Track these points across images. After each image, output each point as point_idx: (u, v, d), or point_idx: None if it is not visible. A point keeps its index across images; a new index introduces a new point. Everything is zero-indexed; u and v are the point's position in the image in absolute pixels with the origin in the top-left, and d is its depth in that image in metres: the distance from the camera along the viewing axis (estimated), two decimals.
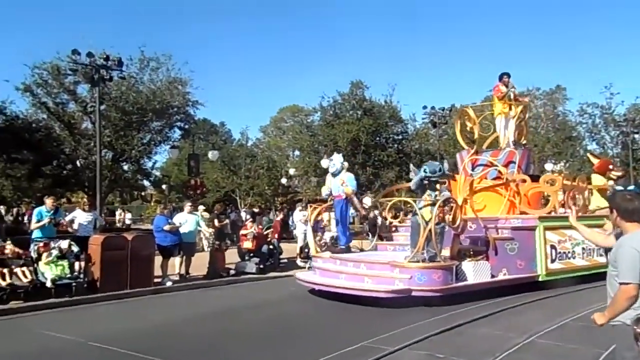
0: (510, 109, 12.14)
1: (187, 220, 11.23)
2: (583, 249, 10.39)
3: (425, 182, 8.46)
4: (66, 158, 26.91)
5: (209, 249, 13.22)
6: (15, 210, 24.56)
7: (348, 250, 10.37)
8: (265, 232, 13.07)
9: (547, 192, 11.32)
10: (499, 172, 11.18)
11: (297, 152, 43.96)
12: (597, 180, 12.57)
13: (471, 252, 8.95)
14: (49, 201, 9.72)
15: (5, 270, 9.55)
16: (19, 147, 23.45)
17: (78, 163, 28.23)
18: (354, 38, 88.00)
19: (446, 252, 8.67)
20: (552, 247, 9.94)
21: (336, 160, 10.47)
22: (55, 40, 67.94)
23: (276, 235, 13.93)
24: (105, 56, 19.78)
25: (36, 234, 9.33)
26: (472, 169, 11.91)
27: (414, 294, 8.16)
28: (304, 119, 45.25)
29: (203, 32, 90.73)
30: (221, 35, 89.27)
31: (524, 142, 12.78)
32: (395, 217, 10.61)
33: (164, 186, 41.25)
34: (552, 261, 9.88)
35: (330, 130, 32.12)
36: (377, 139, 29.04)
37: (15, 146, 23.19)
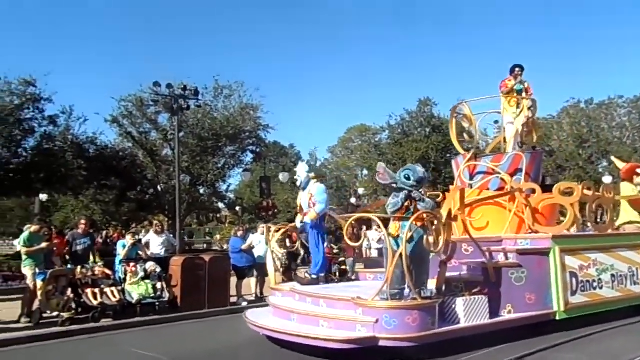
0: (517, 105, 9.44)
1: (261, 241, 10.87)
2: (613, 275, 7.62)
3: (414, 195, 5.99)
4: (149, 183, 25.96)
5: (282, 269, 13.82)
6: (104, 233, 26.35)
7: (317, 281, 7.64)
8: (335, 252, 12.01)
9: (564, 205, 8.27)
10: (503, 180, 8.48)
11: (365, 172, 43.54)
12: (627, 189, 9.60)
13: (462, 285, 6.43)
14: (128, 237, 10.60)
15: (97, 290, 10.31)
16: (108, 174, 23.34)
17: (159, 188, 29.09)
18: (421, 55, 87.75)
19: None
20: (573, 274, 7.12)
21: (300, 172, 8.01)
22: (139, 74, 73.14)
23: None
24: (183, 86, 19.08)
25: (120, 258, 10.00)
26: (471, 178, 9.14)
27: (381, 343, 5.54)
28: (372, 138, 44.41)
29: (271, 55, 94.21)
30: (289, 58, 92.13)
31: (534, 144, 9.98)
32: (356, 237, 8.37)
33: (237, 208, 39.91)
34: (573, 293, 7.08)
35: (399, 148, 30.99)
36: (448, 155, 27.34)
37: (105, 173, 23.13)
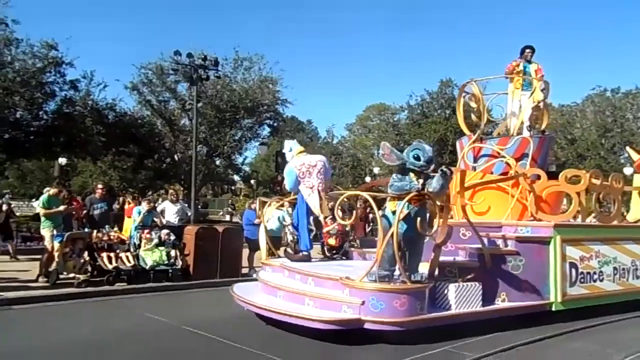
0: (522, 87, 8.92)
1: (274, 215, 10.62)
2: (615, 269, 7.31)
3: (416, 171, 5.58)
4: (166, 152, 26.13)
5: (292, 244, 13.93)
6: (121, 199, 26.81)
7: (308, 257, 7.38)
8: (346, 230, 11.95)
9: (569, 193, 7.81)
10: (507, 164, 8.08)
11: (382, 151, 43.90)
12: None
13: (456, 270, 6.16)
14: (144, 204, 10.75)
15: (112, 255, 10.55)
16: (126, 141, 23.38)
17: (176, 157, 29.35)
18: (444, 36, 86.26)
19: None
20: (573, 265, 6.83)
21: (286, 148, 7.83)
22: (160, 41, 73.25)
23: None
24: (203, 56, 19.37)
25: (136, 224, 10.15)
26: (475, 160, 8.70)
27: (366, 326, 5.32)
28: (391, 117, 44.33)
29: (293, 31, 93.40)
30: (310, 33, 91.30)
31: (543, 128, 9.37)
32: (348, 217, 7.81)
33: (252, 181, 38.75)
34: (572, 284, 6.79)
35: (417, 129, 30.38)
36: None
37: (123, 140, 23.17)
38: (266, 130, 29.38)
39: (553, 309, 6.67)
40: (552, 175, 7.82)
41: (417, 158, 5.63)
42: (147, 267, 9.34)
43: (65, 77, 21.46)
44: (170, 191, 13.86)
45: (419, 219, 5.52)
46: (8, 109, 19.80)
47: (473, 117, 9.45)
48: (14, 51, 20.10)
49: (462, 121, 9.43)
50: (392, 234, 5.37)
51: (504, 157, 8.18)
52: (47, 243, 9.52)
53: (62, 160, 24.75)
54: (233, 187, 47.05)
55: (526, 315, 6.39)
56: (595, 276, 7.15)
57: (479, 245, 6.42)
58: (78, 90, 21.86)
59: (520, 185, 7.56)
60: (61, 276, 9.14)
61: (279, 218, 11.26)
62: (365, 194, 5.83)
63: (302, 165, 7.23)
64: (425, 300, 5.65)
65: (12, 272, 10.08)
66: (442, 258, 6.18)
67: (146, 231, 9.90)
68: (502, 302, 6.39)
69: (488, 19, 76.94)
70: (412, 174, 5.63)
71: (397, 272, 5.61)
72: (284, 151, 7.91)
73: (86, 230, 10.03)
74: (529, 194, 7.45)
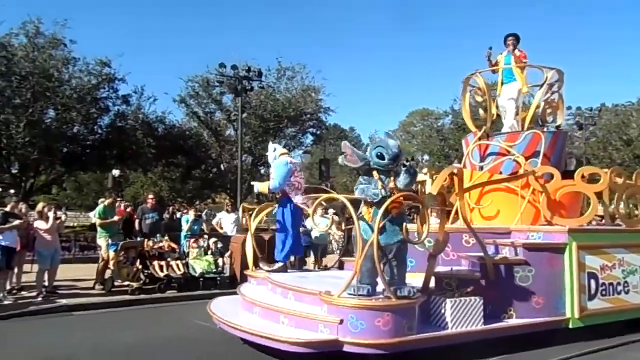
0: (502, 81, 7.88)
1: (320, 222, 10.29)
2: None
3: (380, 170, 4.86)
4: (212, 162, 25.95)
5: (338, 251, 12.44)
6: (170, 209, 27.64)
7: (285, 268, 6.65)
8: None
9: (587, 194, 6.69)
10: (517, 162, 7.13)
11: (426, 157, 43.22)
12: None
13: (454, 282, 5.32)
14: (191, 212, 11.56)
15: (163, 263, 10.89)
16: (175, 152, 23.64)
17: (222, 167, 30.22)
18: (488, 39, 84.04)
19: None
20: (592, 275, 5.79)
21: (270, 155, 7.02)
22: (206, 55, 75.46)
23: None
24: (247, 68, 19.41)
25: (186, 232, 10.90)
26: (481, 159, 7.75)
27: (345, 348, 4.54)
28: (434, 122, 43.98)
29: (334, 39, 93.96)
30: (351, 41, 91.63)
31: (559, 123, 8.31)
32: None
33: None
34: (591, 297, 5.77)
35: (462, 134, 30.81)
36: None
37: (172, 152, 23.44)
38: (309, 139, 29.28)
39: (570, 326, 5.68)
40: (570, 175, 6.84)
41: (381, 156, 4.85)
42: (197, 275, 9.57)
43: (118, 92, 22.14)
44: (226, 202, 14.18)
45: (403, 224, 4.74)
46: (66, 124, 20.75)
47: (481, 112, 8.46)
48: (71, 69, 21.06)
49: (468, 117, 8.52)
50: (370, 243, 4.55)
51: (512, 154, 7.23)
52: (102, 252, 9.91)
53: (116, 172, 25.67)
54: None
55: (538, 333, 5.49)
56: (620, 287, 6.08)
57: (481, 254, 5.47)
58: (130, 105, 22.47)
59: (531, 186, 6.58)
60: (116, 283, 9.49)
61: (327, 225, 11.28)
62: (342, 197, 5.01)
63: (290, 162, 6.58)
64: (415, 318, 4.74)
65: (71, 280, 10.57)
66: (443, 268, 5.42)
67: (193, 240, 10.20)
68: (508, 319, 5.45)
69: (531, 26, 74.67)
70: (375, 174, 4.87)
71: (380, 286, 4.78)
72: (267, 153, 7.19)
73: (138, 239, 10.41)
74: (540, 195, 6.47)
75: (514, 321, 5.46)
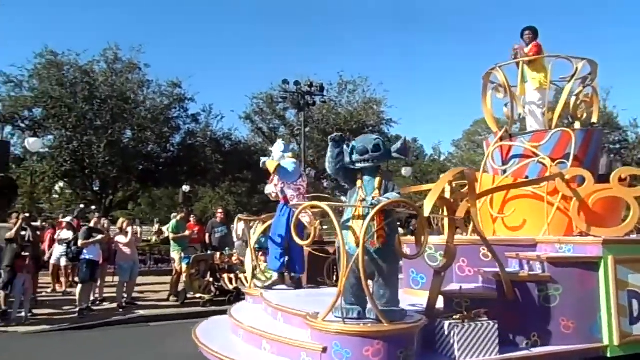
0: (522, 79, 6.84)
1: None
2: None
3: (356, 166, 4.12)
4: None
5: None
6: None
7: (282, 280, 6.23)
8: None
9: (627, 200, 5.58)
10: (545, 165, 6.16)
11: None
12: None
13: (466, 303, 4.39)
14: (259, 226, 12.57)
15: (232, 276, 11.20)
16: (241, 167, 23.94)
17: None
18: (555, 41, 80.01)
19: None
20: (634, 295, 4.82)
21: (275, 151, 6.47)
22: (270, 72, 77.81)
23: None
24: (309, 83, 19.77)
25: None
26: (503, 162, 6.84)
27: None
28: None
29: (395, 48, 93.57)
30: (412, 50, 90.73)
31: (593, 120, 7.24)
32: None
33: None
34: (634, 321, 4.79)
35: None
36: None
37: (239, 167, 23.83)
38: None
39: (608, 354, 4.71)
40: (603, 179, 5.95)
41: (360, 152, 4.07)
42: (263, 286, 9.74)
43: (188, 112, 23.17)
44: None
45: (394, 237, 3.98)
46: (141, 143, 21.92)
47: (505, 110, 7.41)
48: (145, 91, 22.36)
49: (490, 117, 7.48)
50: (355, 258, 3.80)
51: (538, 155, 6.25)
52: (176, 265, 10.34)
53: (186, 188, 26.72)
54: (341, 209, 47.44)
55: None
56: None
57: (497, 270, 4.58)
58: (199, 123, 23.26)
59: (559, 191, 5.63)
60: (188, 296, 9.86)
61: None
62: (323, 205, 4.25)
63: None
64: (413, 346, 3.91)
65: (147, 292, 11.09)
66: (459, 286, 4.66)
67: (260, 253, 10.39)
68: (531, 347, 4.52)
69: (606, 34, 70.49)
70: (359, 182, 4.17)
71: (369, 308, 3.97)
72: (271, 149, 6.61)
73: (209, 252, 10.78)
74: (570, 201, 5.51)
75: (538, 349, 4.52)
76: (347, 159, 4.14)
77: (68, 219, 12.74)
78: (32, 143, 15.13)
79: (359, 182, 4.15)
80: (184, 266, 9.69)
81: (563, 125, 6.87)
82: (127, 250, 9.78)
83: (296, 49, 77.87)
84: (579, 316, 4.67)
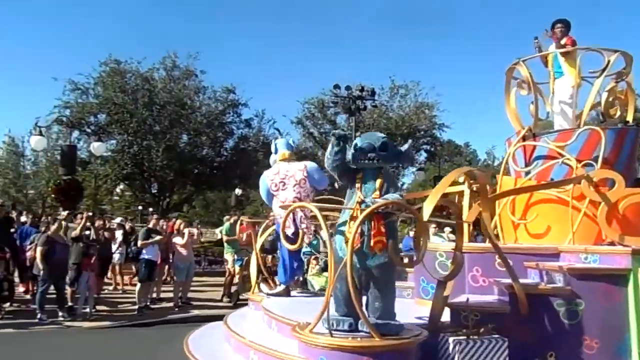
0: (554, 75, 6.19)
1: (433, 241, 12.06)
2: None
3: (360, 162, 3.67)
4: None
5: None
6: None
7: (287, 292, 5.72)
8: None
9: None
10: (571, 166, 5.58)
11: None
12: None
13: (474, 317, 3.91)
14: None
15: None
16: None
17: (336, 185, 31.52)
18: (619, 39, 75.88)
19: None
20: None
21: (272, 148, 6.12)
22: (322, 78, 78.43)
23: None
24: (360, 88, 19.33)
25: (305, 249, 12.41)
26: (526, 163, 6.18)
27: None
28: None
29: (445, 53, 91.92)
30: (462, 54, 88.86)
31: (628, 118, 6.46)
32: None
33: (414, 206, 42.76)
34: None
35: None
36: None
37: None
38: (423, 156, 28.59)
39: None
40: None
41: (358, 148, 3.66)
42: (315, 291, 9.76)
43: (241, 117, 23.84)
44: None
45: (391, 241, 3.51)
46: (197, 148, 22.65)
47: (531, 108, 6.69)
48: (201, 97, 23.15)
49: (513, 115, 6.71)
50: (343, 265, 3.39)
51: (563, 156, 5.62)
52: (229, 266, 10.57)
53: (238, 191, 27.25)
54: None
55: None
56: None
57: (510, 282, 4.03)
58: (251, 128, 23.80)
59: (586, 197, 5.03)
60: (241, 297, 10.04)
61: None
62: (311, 206, 3.95)
63: (275, 175, 5.53)
64: None
65: (202, 292, 11.39)
66: (474, 298, 4.21)
67: (312, 256, 10.46)
68: None
69: None
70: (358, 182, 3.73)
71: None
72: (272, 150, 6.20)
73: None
74: (598, 207, 4.94)
75: None
76: (348, 156, 3.70)
77: (118, 219, 13.32)
78: (97, 147, 15.92)
79: (358, 183, 3.72)
80: (237, 268, 9.87)
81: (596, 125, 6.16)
82: (183, 251, 10.08)
83: (346, 54, 77.95)
84: (604, 335, 4.07)
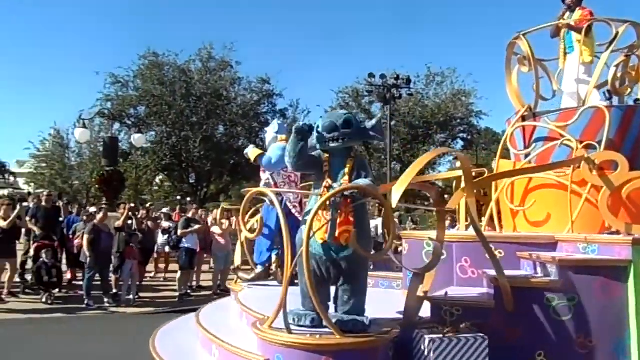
0: (565, 51, 5.68)
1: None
2: None
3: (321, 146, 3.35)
4: None
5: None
6: None
7: (265, 275, 5.50)
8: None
9: None
10: (572, 148, 4.97)
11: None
12: None
13: (456, 313, 3.63)
14: None
15: None
16: None
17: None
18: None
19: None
20: None
21: (268, 132, 5.74)
22: (356, 66, 78.08)
23: None
24: (395, 76, 19.24)
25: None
26: (525, 145, 5.71)
27: None
28: None
29: (481, 37, 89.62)
30: (499, 39, 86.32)
31: (639, 97, 5.90)
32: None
33: (445, 196, 42.30)
34: None
35: None
36: None
37: None
38: (460, 144, 28.10)
39: None
40: None
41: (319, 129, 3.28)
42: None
43: (276, 107, 24.06)
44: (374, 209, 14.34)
45: (360, 230, 3.16)
46: (233, 138, 23.05)
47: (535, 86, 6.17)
48: (237, 88, 23.43)
49: (514, 94, 6.13)
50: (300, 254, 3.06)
51: (564, 137, 5.06)
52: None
53: None
54: (426, 203, 46.54)
55: None
56: None
57: (494, 274, 3.62)
58: (286, 118, 24.05)
59: (587, 181, 4.54)
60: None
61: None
62: (268, 191, 3.71)
63: None
64: None
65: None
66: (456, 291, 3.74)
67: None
68: None
69: None
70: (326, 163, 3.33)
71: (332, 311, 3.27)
72: (267, 129, 5.85)
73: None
74: (599, 191, 4.44)
75: None
76: (313, 141, 3.36)
77: (165, 210, 13.62)
78: (137, 139, 16.32)
79: (326, 168, 3.37)
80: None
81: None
82: (221, 240, 10.26)
83: (384, 40, 77.20)
84: (599, 332, 3.60)
